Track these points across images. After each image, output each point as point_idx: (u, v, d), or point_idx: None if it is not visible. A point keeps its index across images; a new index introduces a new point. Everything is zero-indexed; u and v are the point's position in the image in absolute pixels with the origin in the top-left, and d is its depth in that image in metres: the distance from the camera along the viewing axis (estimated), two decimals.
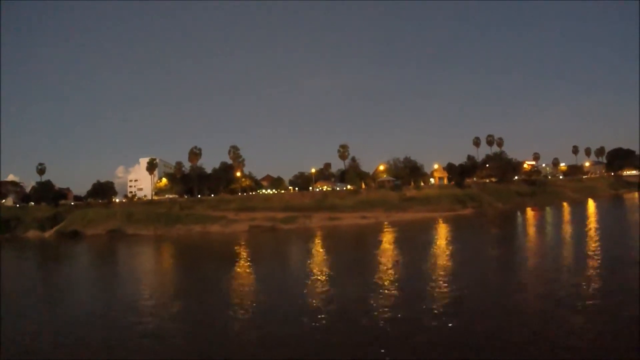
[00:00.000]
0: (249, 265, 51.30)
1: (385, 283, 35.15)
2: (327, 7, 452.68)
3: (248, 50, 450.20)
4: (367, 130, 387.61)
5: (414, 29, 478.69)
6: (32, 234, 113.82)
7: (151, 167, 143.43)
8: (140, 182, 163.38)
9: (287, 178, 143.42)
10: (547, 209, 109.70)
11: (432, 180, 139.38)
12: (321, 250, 60.28)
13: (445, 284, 33.46)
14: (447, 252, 49.95)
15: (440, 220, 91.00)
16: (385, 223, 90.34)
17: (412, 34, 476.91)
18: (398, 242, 63.30)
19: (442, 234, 70.40)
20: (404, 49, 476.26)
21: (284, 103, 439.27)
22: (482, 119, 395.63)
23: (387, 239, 67.20)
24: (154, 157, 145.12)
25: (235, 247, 68.46)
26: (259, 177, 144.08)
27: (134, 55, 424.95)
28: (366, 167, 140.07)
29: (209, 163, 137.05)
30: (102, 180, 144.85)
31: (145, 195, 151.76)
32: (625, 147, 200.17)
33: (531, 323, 23.97)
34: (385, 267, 42.41)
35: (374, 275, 38.59)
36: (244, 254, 61.10)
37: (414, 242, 62.58)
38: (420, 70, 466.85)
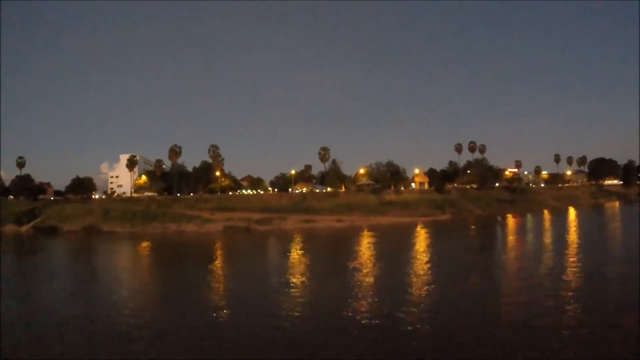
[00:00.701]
0: (209, 266, 50.59)
1: (347, 289, 34.59)
2: (313, 8, 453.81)
3: (232, 51, 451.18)
4: (350, 133, 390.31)
5: (400, 33, 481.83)
6: (9, 228, 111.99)
7: (131, 164, 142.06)
8: (121, 178, 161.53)
9: (269, 179, 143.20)
10: (528, 216, 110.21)
11: (413, 185, 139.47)
12: (289, 253, 59.65)
13: (412, 290, 33.09)
14: (418, 258, 49.43)
15: (418, 225, 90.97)
16: (365, 227, 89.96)
17: (398, 38, 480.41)
18: (367, 246, 62.90)
19: (416, 239, 70.13)
20: (389, 53, 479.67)
21: (268, 103, 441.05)
22: (465, 126, 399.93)
23: (357, 243, 66.84)
24: (134, 154, 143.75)
25: (203, 248, 67.80)
26: (240, 177, 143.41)
27: (120, 53, 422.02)
28: (349, 170, 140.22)
29: (192, 162, 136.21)
30: (83, 175, 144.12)
31: (124, 192, 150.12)
32: (607, 157, 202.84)
33: (505, 332, 23.71)
34: (347, 273, 41.85)
35: (339, 280, 38.08)
36: (210, 256, 60.37)
37: (384, 246, 61.99)
38: (404, 75, 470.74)
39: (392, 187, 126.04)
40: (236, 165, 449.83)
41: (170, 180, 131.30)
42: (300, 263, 49.90)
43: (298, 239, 73.82)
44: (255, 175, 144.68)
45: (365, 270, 42.40)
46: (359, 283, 36.58)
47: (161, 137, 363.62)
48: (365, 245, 63.21)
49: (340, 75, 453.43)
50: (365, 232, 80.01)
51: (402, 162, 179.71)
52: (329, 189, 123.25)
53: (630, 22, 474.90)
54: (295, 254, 58.45)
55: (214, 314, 29.26)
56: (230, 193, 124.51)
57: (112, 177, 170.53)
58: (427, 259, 48.39)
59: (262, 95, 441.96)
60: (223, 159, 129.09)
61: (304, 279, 39.93)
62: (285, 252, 60.70)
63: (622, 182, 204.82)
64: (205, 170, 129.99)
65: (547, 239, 64.31)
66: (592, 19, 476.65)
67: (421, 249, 56.96)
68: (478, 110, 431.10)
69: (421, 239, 69.86)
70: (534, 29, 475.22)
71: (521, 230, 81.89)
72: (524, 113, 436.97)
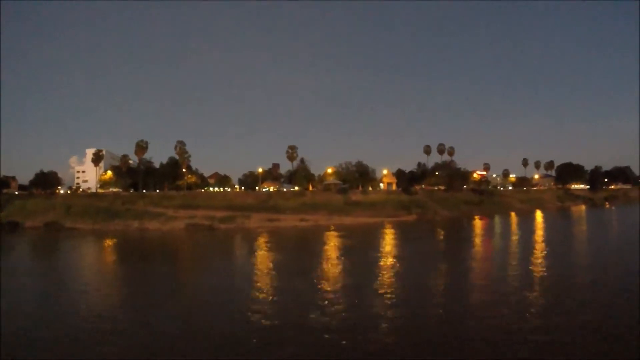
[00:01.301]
0: (166, 267, 49.83)
1: (299, 291, 34.28)
2: (284, 8, 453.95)
3: (202, 48, 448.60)
4: (321, 133, 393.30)
5: (372, 34, 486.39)
6: None
7: (97, 158, 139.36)
8: (87, 173, 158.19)
9: (237, 177, 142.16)
10: (496, 217, 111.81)
11: (381, 185, 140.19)
12: (249, 253, 59.23)
13: (358, 291, 32.84)
14: (376, 258, 49.18)
15: (382, 226, 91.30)
16: (329, 227, 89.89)
17: (370, 39, 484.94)
18: (327, 246, 62.84)
19: (377, 240, 70.02)
20: (361, 54, 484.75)
21: (239, 101, 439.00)
22: (436, 128, 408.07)
23: (318, 243, 66.82)
24: (100, 149, 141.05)
25: (163, 247, 66.94)
26: (208, 175, 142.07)
27: (91, 47, 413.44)
28: (318, 170, 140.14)
29: (161, 158, 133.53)
30: (50, 170, 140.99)
31: (89, 188, 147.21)
32: (575, 162, 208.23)
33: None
34: (300, 274, 41.59)
35: (287, 282, 37.73)
36: (169, 255, 59.60)
37: (344, 246, 61.70)
38: (375, 75, 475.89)
39: (360, 187, 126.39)
40: (205, 162, 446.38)
41: (136, 176, 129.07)
42: (258, 263, 49.51)
43: (260, 238, 73.14)
44: (224, 173, 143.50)
45: (319, 272, 42.19)
46: (310, 286, 36.30)
47: (130, 132, 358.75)
48: (325, 246, 63.11)
49: (311, 75, 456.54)
50: (328, 232, 79.87)
51: (372, 162, 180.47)
52: (296, 188, 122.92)
53: (599, 29, 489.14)
54: (256, 253, 58.06)
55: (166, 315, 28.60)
56: (199, 190, 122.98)
57: (78, 171, 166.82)
58: (385, 258, 48.43)
59: (233, 93, 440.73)
60: (190, 156, 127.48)
61: (258, 278, 39.62)
62: (245, 252, 60.42)
63: (588, 187, 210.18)
64: (172, 166, 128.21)
65: (512, 240, 65.36)
66: (562, 25, 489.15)
67: (381, 249, 57.02)
68: (449, 113, 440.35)
69: (382, 240, 69.93)
70: (506, 34, 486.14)
71: (486, 232, 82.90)
72: (494, 117, 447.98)
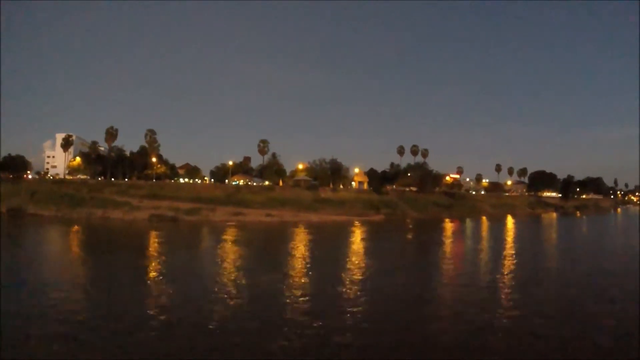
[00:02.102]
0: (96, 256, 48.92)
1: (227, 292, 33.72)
2: (260, 4, 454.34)
3: (178, 39, 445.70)
4: (297, 130, 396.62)
5: (349, 34, 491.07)
6: None
7: (66, 144, 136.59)
8: (56, 159, 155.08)
9: (210, 169, 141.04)
10: (467, 221, 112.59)
11: (353, 184, 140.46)
12: (209, 245, 58.53)
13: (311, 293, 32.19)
14: (333, 256, 48.39)
15: (349, 224, 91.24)
16: (294, 223, 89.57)
17: (347, 38, 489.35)
18: (284, 242, 62.52)
19: (340, 238, 69.55)
20: (337, 53, 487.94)
21: (215, 93, 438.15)
22: (412, 130, 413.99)
23: (276, 238, 66.55)
24: (70, 134, 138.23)
25: (124, 238, 65.93)
26: (179, 165, 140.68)
27: (67, 34, 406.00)
28: (292, 166, 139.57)
29: (135, 147, 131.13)
30: (16, 154, 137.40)
31: (57, 174, 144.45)
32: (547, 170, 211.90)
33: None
34: (233, 272, 41.04)
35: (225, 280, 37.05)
36: (118, 245, 58.56)
37: (303, 244, 61.19)
38: (353, 75, 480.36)
39: (331, 185, 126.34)
40: (177, 153, 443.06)
41: (106, 164, 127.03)
42: (206, 257, 48.88)
43: (221, 232, 72.33)
44: (196, 164, 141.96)
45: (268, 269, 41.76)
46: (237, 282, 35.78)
47: (104, 119, 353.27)
48: (283, 242, 62.73)
49: (289, 72, 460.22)
50: (292, 229, 79.49)
51: (345, 161, 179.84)
52: (267, 183, 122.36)
53: (576, 37, 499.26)
54: (211, 247, 57.44)
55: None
56: (168, 181, 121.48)
57: (48, 156, 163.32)
58: (339, 257, 47.97)
59: (209, 85, 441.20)
60: (159, 145, 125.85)
61: (196, 273, 38.97)
62: (202, 245, 59.78)
63: (560, 195, 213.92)
64: (142, 155, 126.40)
65: (480, 244, 64.89)
66: (538, 32, 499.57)
67: (340, 248, 56.42)
68: (425, 116, 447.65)
69: (343, 238, 69.34)
70: (483, 39, 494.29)
71: (451, 234, 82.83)
72: (470, 122, 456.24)
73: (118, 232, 73.58)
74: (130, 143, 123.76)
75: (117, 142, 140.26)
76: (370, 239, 67.76)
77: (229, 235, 67.48)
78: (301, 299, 28.40)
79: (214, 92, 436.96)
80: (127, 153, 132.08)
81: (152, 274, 36.55)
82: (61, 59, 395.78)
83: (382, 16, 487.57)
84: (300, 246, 56.29)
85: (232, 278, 34.64)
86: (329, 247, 58.17)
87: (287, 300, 27.92)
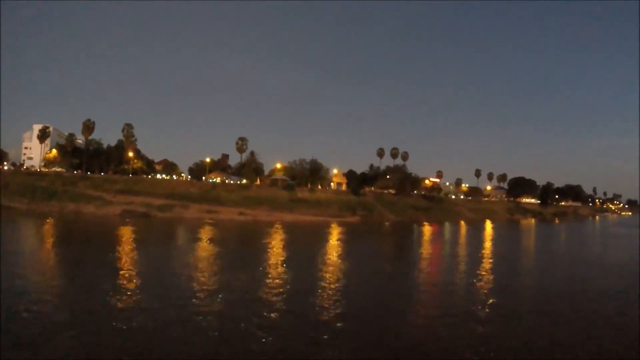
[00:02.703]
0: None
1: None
2: (242, 3, 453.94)
3: (160, 36, 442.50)
4: (278, 130, 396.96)
5: (333, 35, 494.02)
6: None
7: (43, 135, 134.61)
8: (33, 150, 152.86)
9: (189, 166, 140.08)
10: (445, 225, 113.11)
11: (332, 185, 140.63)
12: (179, 243, 58.12)
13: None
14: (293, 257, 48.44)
15: (328, 225, 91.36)
16: (267, 222, 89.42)
17: (331, 39, 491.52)
18: (252, 242, 62.39)
19: (310, 239, 69.56)
20: (320, 54, 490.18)
21: (198, 90, 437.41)
22: (393, 133, 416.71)
23: (242, 237, 66.35)
24: (47, 125, 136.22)
25: (84, 232, 65.23)
26: (159, 160, 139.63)
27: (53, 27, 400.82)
28: (271, 165, 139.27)
29: (113, 140, 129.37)
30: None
31: (33, 166, 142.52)
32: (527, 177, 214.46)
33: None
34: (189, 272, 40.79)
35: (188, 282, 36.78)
36: (84, 240, 57.91)
37: (269, 244, 61.01)
38: (337, 76, 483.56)
39: (309, 185, 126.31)
40: (157, 148, 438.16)
41: (82, 157, 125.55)
42: (163, 255, 48.51)
43: (191, 229, 72.11)
44: (174, 160, 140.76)
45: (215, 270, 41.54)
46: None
47: (85, 111, 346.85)
48: (247, 241, 62.67)
49: (271, 72, 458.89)
50: (264, 228, 79.14)
51: (327, 162, 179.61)
52: (244, 181, 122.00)
53: (556, 45, 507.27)
54: (175, 244, 57.17)
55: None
56: (144, 176, 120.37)
57: (26, 148, 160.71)
58: (288, 259, 48.00)
59: (194, 83, 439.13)
60: (136, 139, 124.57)
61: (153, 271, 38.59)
62: (168, 242, 59.34)
63: (539, 202, 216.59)
64: (119, 149, 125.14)
65: (453, 250, 63.25)
66: (519, 38, 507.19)
67: (304, 250, 56.29)
68: (407, 119, 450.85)
69: (317, 240, 68.59)
70: (463, 43, 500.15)
71: (427, 239, 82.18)
72: (453, 128, 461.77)
73: (85, 227, 72.71)
74: (110, 137, 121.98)
75: (97, 135, 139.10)
76: (341, 241, 67.45)
77: (197, 233, 67.17)
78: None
79: (197, 89, 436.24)
80: (105, 146, 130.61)
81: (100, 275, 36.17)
82: (59, 52, 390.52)
83: (365, 17, 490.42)
84: (267, 247, 56.06)
85: (182, 279, 34.45)
86: (295, 248, 57.79)
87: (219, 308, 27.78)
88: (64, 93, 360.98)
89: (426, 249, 63.48)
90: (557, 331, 24.19)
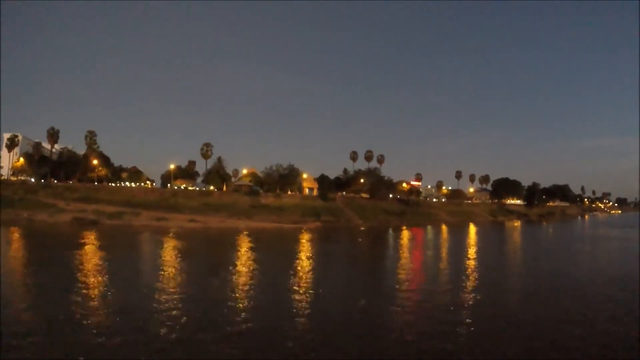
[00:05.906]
0: None
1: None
2: (215, 6, 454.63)
3: (133, 38, 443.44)
4: (250, 135, 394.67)
5: (307, 39, 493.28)
6: None
7: (12, 144, 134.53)
8: (2, 159, 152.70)
9: (161, 173, 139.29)
10: (416, 229, 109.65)
11: (305, 190, 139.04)
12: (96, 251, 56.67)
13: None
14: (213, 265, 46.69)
15: (283, 231, 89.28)
16: (217, 230, 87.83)
17: (305, 43, 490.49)
18: (175, 249, 60.64)
19: (229, 248, 67.70)
20: (292, 58, 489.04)
21: (172, 96, 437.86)
22: (370, 137, 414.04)
23: (173, 246, 64.74)
24: (16, 134, 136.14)
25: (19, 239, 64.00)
26: (129, 167, 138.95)
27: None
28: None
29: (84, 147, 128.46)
30: None
31: (1, 175, 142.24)
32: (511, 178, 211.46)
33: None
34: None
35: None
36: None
37: (193, 250, 59.21)
38: (311, 81, 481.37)
39: (277, 190, 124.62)
40: (129, 156, 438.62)
41: (46, 165, 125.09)
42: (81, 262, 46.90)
43: (131, 236, 70.69)
44: (150, 167, 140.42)
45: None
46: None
47: (55, 119, 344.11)
48: (174, 250, 60.90)
49: (244, 78, 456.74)
50: (211, 235, 77.58)
51: (301, 166, 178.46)
52: (211, 188, 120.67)
53: (540, 45, 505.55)
54: (98, 251, 55.52)
55: None
56: (105, 184, 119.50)
57: None
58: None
59: (168, 89, 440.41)
60: (98, 147, 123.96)
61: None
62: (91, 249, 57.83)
63: (525, 203, 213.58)
64: (85, 157, 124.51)
65: (405, 255, 61.05)
66: (502, 38, 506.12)
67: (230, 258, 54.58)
68: (384, 122, 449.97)
69: (235, 249, 67.06)
70: (441, 44, 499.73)
71: (388, 244, 79.18)
72: (433, 130, 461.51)
73: (32, 234, 71.75)
74: (82, 145, 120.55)
75: (67, 143, 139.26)
76: (265, 249, 65.42)
77: (120, 240, 65.87)
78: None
79: (173, 96, 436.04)
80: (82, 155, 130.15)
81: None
82: (31, 59, 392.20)
83: (338, 20, 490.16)
84: (190, 255, 54.13)
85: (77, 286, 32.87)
86: (199, 258, 55.80)
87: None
88: (34, 101, 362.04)
89: (363, 259, 61.05)
90: None
